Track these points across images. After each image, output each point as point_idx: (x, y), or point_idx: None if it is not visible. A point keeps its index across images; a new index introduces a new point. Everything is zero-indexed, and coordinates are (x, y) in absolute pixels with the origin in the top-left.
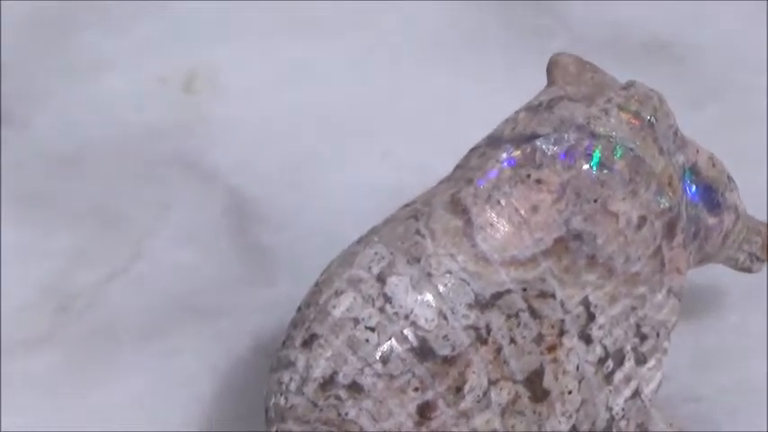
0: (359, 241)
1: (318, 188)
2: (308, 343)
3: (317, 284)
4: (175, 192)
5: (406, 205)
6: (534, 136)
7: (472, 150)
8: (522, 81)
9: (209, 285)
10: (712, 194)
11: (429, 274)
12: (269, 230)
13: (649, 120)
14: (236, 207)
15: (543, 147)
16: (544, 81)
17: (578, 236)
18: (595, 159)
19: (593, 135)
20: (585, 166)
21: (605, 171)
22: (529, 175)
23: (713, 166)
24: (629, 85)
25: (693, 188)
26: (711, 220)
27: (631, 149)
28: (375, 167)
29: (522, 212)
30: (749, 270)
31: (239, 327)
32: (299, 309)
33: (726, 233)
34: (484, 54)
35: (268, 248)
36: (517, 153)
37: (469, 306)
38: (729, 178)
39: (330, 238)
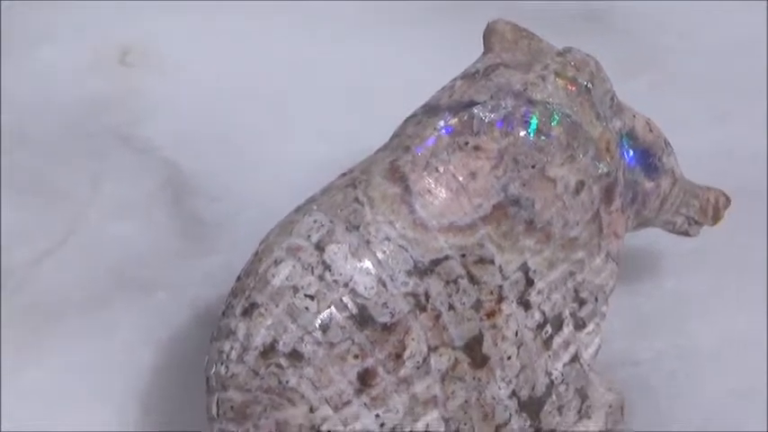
0: (297, 210)
1: (255, 160)
2: (248, 312)
3: (256, 254)
4: (112, 164)
5: (344, 174)
6: (471, 103)
7: (409, 119)
8: (457, 50)
9: (148, 257)
10: (649, 159)
11: (368, 242)
12: (206, 202)
13: (586, 85)
14: (173, 179)
15: (480, 114)
16: (480, 50)
17: (516, 201)
18: (533, 126)
19: (531, 102)
20: (523, 133)
21: (543, 137)
22: (467, 143)
23: (650, 130)
24: (566, 52)
25: (631, 153)
26: (649, 185)
27: (568, 115)
28: (312, 139)
29: (461, 179)
30: (687, 234)
31: (178, 298)
32: (239, 278)
33: (663, 197)
34: (418, 25)
35: (205, 220)
36: (454, 121)
37: (408, 273)
38: (666, 143)
39: (267, 208)
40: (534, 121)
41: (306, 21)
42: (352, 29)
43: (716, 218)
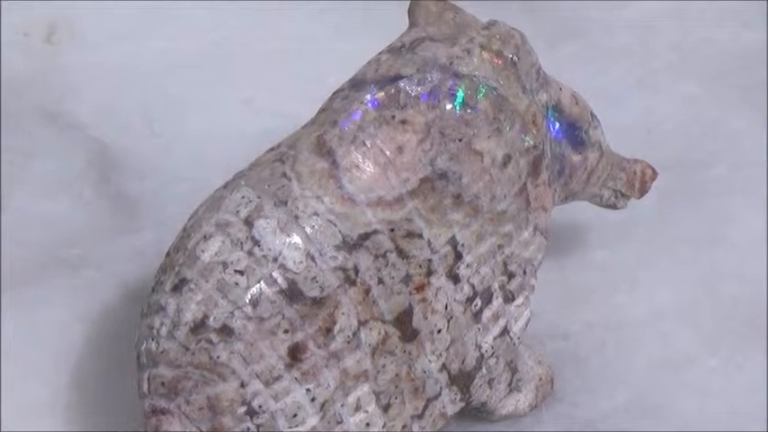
0: (225, 186)
1: (182, 135)
2: (178, 287)
3: (185, 229)
4: (38, 143)
5: (272, 149)
6: (398, 77)
7: (335, 93)
8: (384, 24)
9: (76, 235)
10: (576, 132)
11: (296, 217)
12: (133, 179)
13: (512, 58)
14: (100, 156)
15: (407, 87)
16: (406, 23)
17: (444, 175)
18: (459, 99)
19: (457, 75)
20: (449, 106)
21: (469, 110)
22: (393, 116)
23: (576, 103)
24: (491, 24)
25: (557, 126)
26: (575, 158)
27: (494, 88)
28: (239, 113)
29: (388, 153)
30: (614, 206)
31: (108, 275)
32: (168, 254)
33: (590, 170)
34: None
35: (133, 197)
36: (381, 94)
37: (337, 247)
38: (592, 115)
39: (195, 184)
40: (461, 94)
41: None
42: (282, 2)
43: (642, 190)
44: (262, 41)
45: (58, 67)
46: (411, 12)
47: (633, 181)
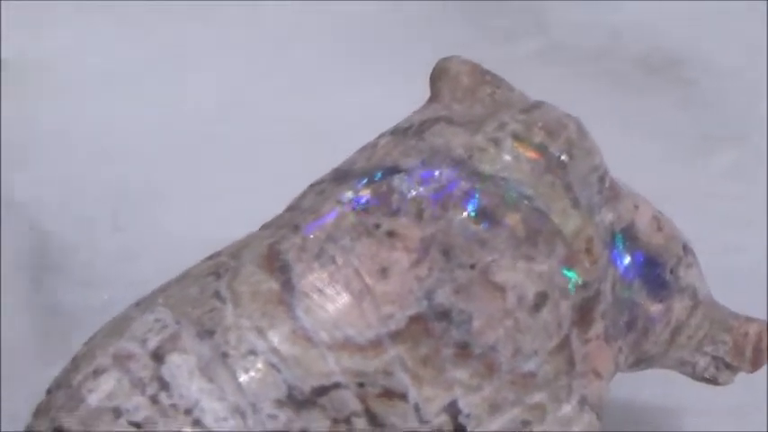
0: (138, 303)
1: (156, 233)
2: None
3: (74, 359)
4: None
5: (211, 256)
6: (394, 169)
7: (312, 186)
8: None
9: None
10: (656, 270)
11: (224, 354)
12: (76, 287)
13: (560, 158)
14: (36, 250)
15: (403, 186)
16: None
17: (445, 314)
18: (474, 207)
19: (475, 174)
20: (460, 217)
21: (488, 225)
22: (378, 225)
23: (658, 229)
24: (535, 107)
25: (626, 260)
26: (654, 307)
27: (529, 198)
28: (240, 206)
29: (366, 277)
30: (714, 381)
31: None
32: (49, 391)
33: (676, 326)
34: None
35: (72, 313)
36: (367, 192)
37: (279, 403)
38: (686, 249)
39: None
40: (477, 202)
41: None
42: (300, 63)
43: (757, 361)
44: (269, 114)
45: None
46: (434, 80)
47: (743, 346)
